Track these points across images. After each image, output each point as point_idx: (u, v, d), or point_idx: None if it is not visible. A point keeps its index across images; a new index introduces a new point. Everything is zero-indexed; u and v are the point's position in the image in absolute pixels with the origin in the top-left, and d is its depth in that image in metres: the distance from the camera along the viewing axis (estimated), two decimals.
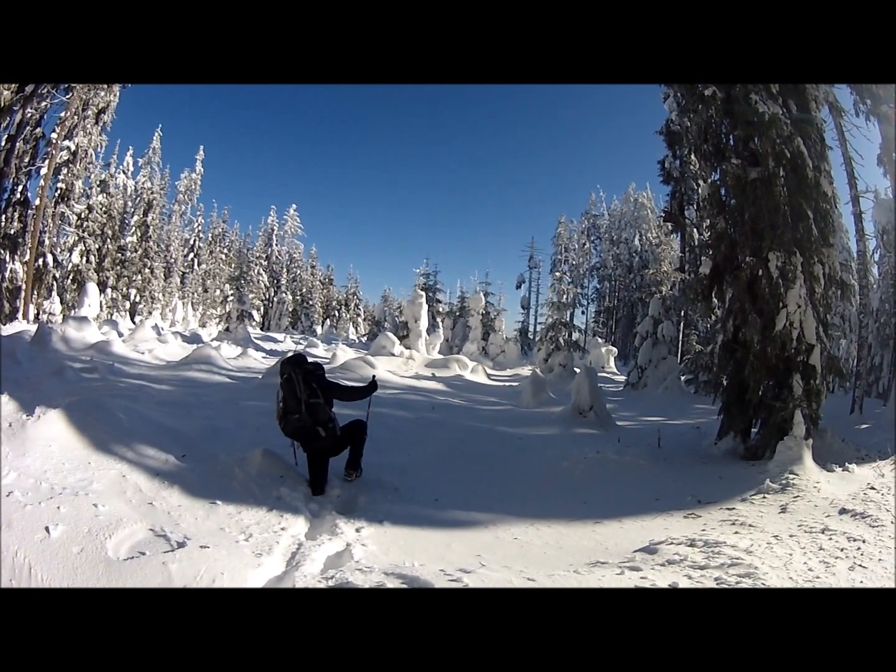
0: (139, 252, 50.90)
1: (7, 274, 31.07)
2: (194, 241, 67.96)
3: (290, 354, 9.54)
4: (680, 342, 32.46)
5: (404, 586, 4.85)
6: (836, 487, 9.24)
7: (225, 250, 72.58)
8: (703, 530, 7.34)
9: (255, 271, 68.86)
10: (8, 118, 18.85)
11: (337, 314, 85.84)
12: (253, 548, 5.94)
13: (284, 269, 78.36)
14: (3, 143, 20.06)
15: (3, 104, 15.49)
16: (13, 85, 16.29)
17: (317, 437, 8.55)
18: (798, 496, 8.77)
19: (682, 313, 32.98)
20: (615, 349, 48.39)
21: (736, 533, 7.07)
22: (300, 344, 45.25)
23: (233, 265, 71.72)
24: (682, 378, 28.47)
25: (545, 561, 6.39)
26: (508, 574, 5.42)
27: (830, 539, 6.68)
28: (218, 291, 66.14)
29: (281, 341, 48.73)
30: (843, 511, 7.90)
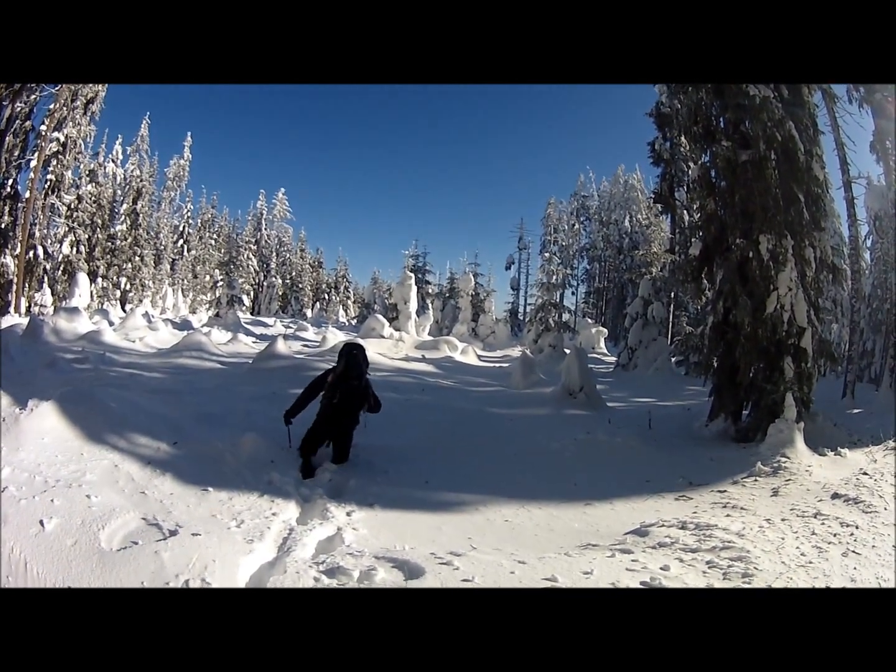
0: (129, 240, 50.66)
1: None
2: (183, 227, 67.87)
3: (358, 341, 9.84)
4: (670, 323, 32.59)
5: (393, 577, 4.89)
6: (828, 472, 9.29)
7: (214, 236, 72.65)
8: (695, 513, 7.41)
9: (245, 256, 68.83)
10: None
11: (326, 297, 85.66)
12: (245, 534, 5.96)
13: (274, 254, 78.40)
14: None
15: None
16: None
17: (353, 414, 9.21)
18: (790, 480, 8.83)
19: (673, 294, 33.15)
20: (605, 330, 48.19)
21: (728, 516, 7.12)
22: (290, 328, 44.91)
23: (222, 250, 71.86)
24: (673, 359, 28.62)
25: (536, 543, 6.44)
26: (499, 557, 5.48)
27: (823, 524, 6.73)
28: (208, 277, 66.01)
29: (271, 325, 48.55)
30: (835, 496, 7.96)
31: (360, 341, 25.03)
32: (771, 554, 5.69)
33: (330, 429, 9.12)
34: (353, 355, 9.27)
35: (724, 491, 8.50)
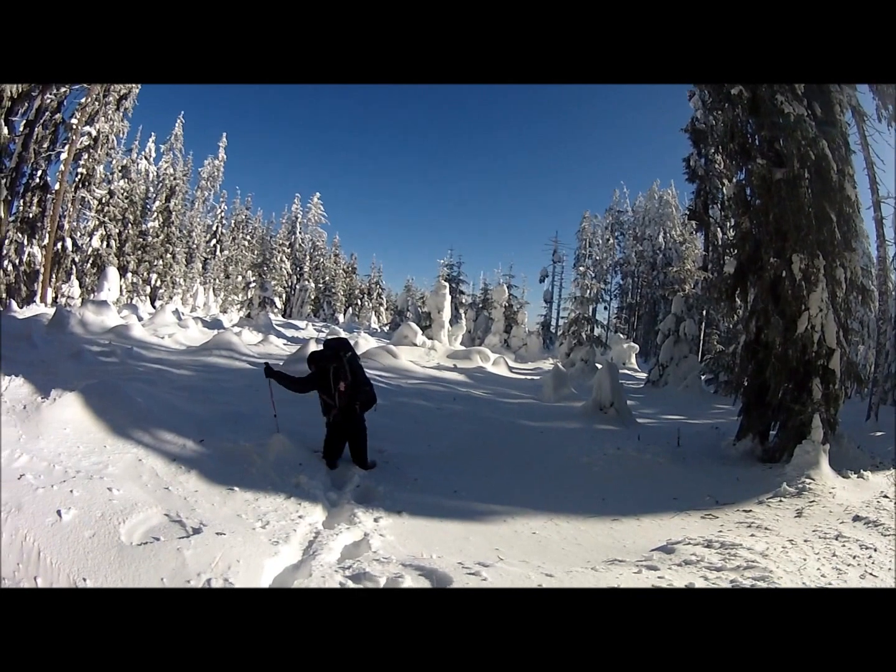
0: (161, 237, 51.16)
1: (25, 257, 31.18)
2: (217, 227, 68.49)
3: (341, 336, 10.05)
4: (701, 341, 32.44)
5: (421, 585, 4.87)
6: (850, 494, 9.23)
7: (248, 237, 72.87)
8: (720, 531, 7.35)
9: (278, 258, 68.80)
10: (26, 104, 18.94)
11: (359, 303, 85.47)
12: (270, 535, 5.93)
13: (307, 257, 78.35)
14: (21, 128, 20.17)
15: (21, 90, 15.54)
16: None
17: (353, 420, 9.38)
18: (813, 501, 8.76)
19: (705, 312, 33.08)
20: (636, 346, 48.33)
21: (752, 535, 7.06)
22: (322, 332, 45.02)
23: (255, 252, 71.86)
24: (703, 377, 28.58)
25: (563, 557, 6.43)
26: (526, 569, 5.48)
27: (843, 546, 6.69)
28: (240, 278, 66.26)
29: (302, 328, 48.55)
30: (856, 518, 7.91)
31: (343, 335, 25.13)
32: (793, 574, 5.65)
33: (341, 435, 9.29)
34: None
35: (750, 511, 8.44)
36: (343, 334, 39.45)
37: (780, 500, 8.87)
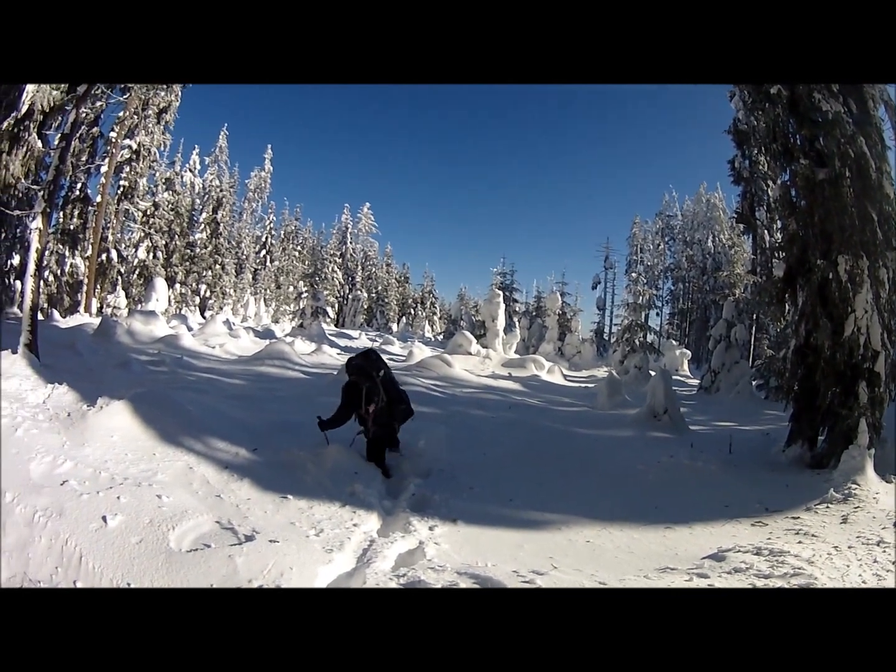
0: (209, 248, 51.71)
1: (67, 268, 31.44)
2: (266, 238, 69.09)
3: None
4: (752, 346, 32.42)
5: (474, 586, 4.90)
6: (892, 499, 9.13)
7: (298, 247, 73.76)
8: (769, 539, 7.34)
9: (330, 268, 69.73)
10: (60, 117, 19.19)
11: (412, 312, 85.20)
12: (323, 543, 6.01)
13: (359, 267, 79.05)
14: (57, 142, 20.45)
15: (53, 104, 15.77)
16: (63, 85, 16.66)
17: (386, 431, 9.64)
18: (859, 507, 8.70)
19: (755, 317, 33.01)
20: (689, 352, 47.92)
21: (799, 542, 7.06)
22: (375, 341, 44.86)
23: (306, 262, 72.95)
24: (754, 383, 28.19)
25: (616, 565, 6.44)
26: (580, 577, 5.53)
27: (885, 552, 6.65)
28: (291, 288, 66.92)
29: (356, 338, 48.40)
30: None
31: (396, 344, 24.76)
32: (836, 581, 5.64)
33: (381, 442, 9.44)
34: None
35: (798, 517, 8.43)
36: (397, 344, 39.71)
37: (828, 507, 8.84)
